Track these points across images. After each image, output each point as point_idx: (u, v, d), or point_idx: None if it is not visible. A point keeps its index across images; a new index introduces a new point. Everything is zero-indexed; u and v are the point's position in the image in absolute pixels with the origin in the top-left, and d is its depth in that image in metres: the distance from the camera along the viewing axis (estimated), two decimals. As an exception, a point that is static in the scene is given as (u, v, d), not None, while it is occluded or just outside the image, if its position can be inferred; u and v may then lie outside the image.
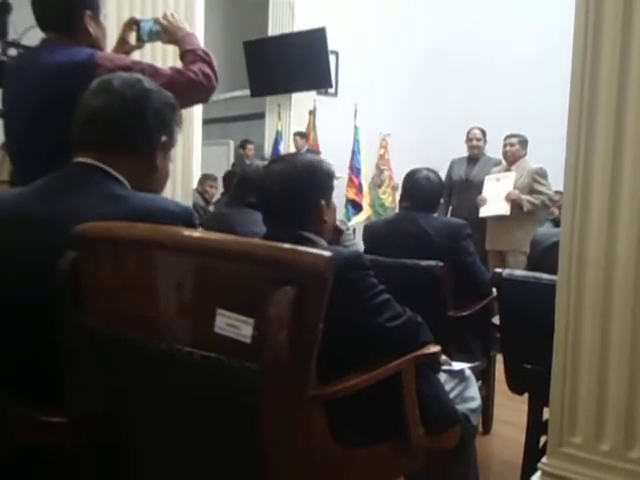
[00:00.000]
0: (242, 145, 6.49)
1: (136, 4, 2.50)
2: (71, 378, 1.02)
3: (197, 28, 2.69)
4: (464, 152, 5.15)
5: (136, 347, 0.89)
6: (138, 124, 1.30)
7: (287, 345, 0.73)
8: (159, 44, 2.23)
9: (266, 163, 2.75)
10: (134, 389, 0.92)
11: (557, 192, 5.57)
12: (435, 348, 1.70)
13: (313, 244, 1.62)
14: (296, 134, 6.13)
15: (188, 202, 2.66)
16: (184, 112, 2.59)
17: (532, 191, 4.44)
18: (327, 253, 0.76)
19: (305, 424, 0.79)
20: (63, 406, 1.03)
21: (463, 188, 4.93)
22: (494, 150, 4.99)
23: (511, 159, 4.60)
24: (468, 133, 5.07)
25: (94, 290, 0.98)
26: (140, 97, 1.31)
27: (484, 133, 5.06)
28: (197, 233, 0.88)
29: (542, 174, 4.46)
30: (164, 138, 1.35)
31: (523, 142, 4.59)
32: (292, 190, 1.62)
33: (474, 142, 5.02)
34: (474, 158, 5.04)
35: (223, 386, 0.81)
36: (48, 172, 1.29)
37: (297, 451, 0.77)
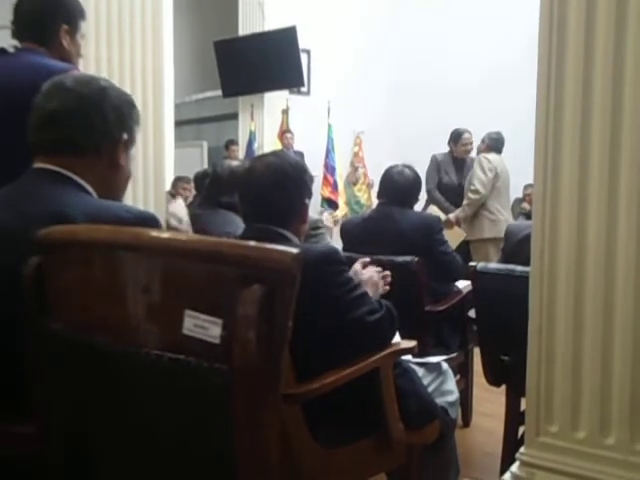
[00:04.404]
0: (226, 146, 6.44)
1: (101, 4, 2.46)
2: (38, 385, 1.00)
3: (165, 29, 2.66)
4: (439, 149, 5.09)
5: (104, 351, 0.87)
6: (96, 122, 1.27)
7: (256, 344, 0.72)
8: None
9: (238, 163, 2.75)
10: (103, 394, 0.90)
11: (529, 185, 5.66)
12: (410, 343, 1.70)
13: (289, 242, 1.61)
14: (286, 131, 6.12)
15: (161, 205, 2.62)
16: (155, 114, 2.58)
17: None
18: (294, 250, 0.75)
19: (279, 424, 0.78)
20: (31, 416, 1.01)
21: (456, 192, 4.89)
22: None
23: None
24: (460, 137, 4.92)
25: (60, 295, 0.96)
26: (96, 94, 1.29)
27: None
28: (162, 234, 0.87)
29: (480, 162, 4.56)
30: (125, 136, 1.33)
31: (484, 139, 4.68)
32: (282, 184, 1.63)
33: (468, 147, 4.98)
34: (461, 160, 4.98)
35: (193, 388, 0.79)
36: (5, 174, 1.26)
37: (271, 452, 0.76)
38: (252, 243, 0.78)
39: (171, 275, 0.84)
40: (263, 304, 0.73)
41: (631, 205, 1.44)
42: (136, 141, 1.38)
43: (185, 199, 5.63)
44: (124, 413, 0.89)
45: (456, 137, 4.98)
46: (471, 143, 5.00)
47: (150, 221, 1.23)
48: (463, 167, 4.98)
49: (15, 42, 2.01)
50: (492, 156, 4.57)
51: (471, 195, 4.53)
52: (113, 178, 1.34)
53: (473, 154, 5.05)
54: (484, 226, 4.56)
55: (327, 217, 6.04)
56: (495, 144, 4.66)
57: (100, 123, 1.28)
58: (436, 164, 4.99)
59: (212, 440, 0.80)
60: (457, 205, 4.86)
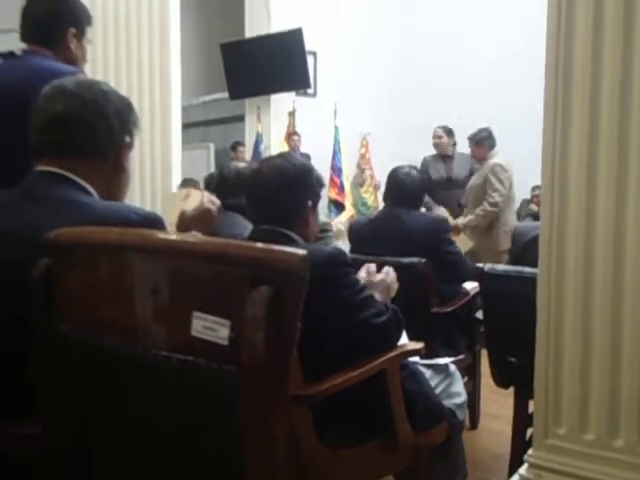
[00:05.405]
0: (233, 147, 6.44)
1: (109, 8, 2.47)
2: (46, 386, 1.00)
3: (172, 32, 2.67)
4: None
5: (112, 353, 0.87)
6: (100, 125, 1.28)
7: (264, 345, 0.72)
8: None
9: (245, 165, 2.75)
10: (111, 395, 0.91)
11: (537, 187, 5.63)
12: (418, 344, 1.70)
13: (294, 243, 1.62)
14: (293, 134, 6.13)
15: (168, 206, 2.63)
16: (162, 116, 2.59)
17: (485, 193, 4.45)
18: (302, 251, 0.75)
19: (287, 425, 0.79)
20: (34, 416, 1.02)
21: (445, 187, 4.96)
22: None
23: (477, 159, 4.66)
24: (433, 132, 5.09)
25: (69, 297, 0.97)
26: (99, 98, 1.29)
27: (448, 131, 5.07)
28: (170, 235, 0.87)
29: (495, 172, 4.43)
30: (127, 139, 1.34)
31: (479, 140, 4.57)
32: (286, 185, 1.65)
33: (435, 140, 5.06)
34: (447, 156, 5.06)
35: (202, 389, 0.79)
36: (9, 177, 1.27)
37: (279, 453, 0.76)
38: (260, 244, 0.78)
39: (179, 277, 0.84)
40: (271, 305, 0.73)
41: (639, 206, 1.43)
42: (135, 144, 1.39)
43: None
44: (133, 414, 0.89)
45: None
46: (440, 137, 5.03)
47: (157, 222, 1.24)
48: (451, 161, 5.05)
49: (23, 45, 2.04)
50: (503, 161, 4.47)
51: (489, 207, 4.40)
52: (117, 180, 1.35)
53: (461, 149, 5.06)
54: (500, 238, 4.42)
55: (336, 224, 6.03)
56: (493, 142, 4.58)
57: (104, 127, 1.29)
58: (425, 165, 5.07)
59: (221, 441, 0.80)
60: (445, 198, 4.86)
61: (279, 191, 1.64)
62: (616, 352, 1.47)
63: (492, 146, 4.56)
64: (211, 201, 1.65)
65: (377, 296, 1.71)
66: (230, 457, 0.79)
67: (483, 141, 4.56)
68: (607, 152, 1.46)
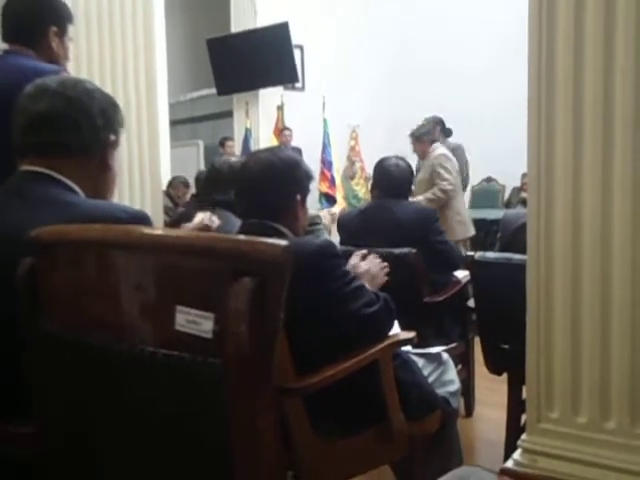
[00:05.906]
0: (221, 142, 6.43)
1: (91, 5, 2.45)
2: (36, 385, 1.00)
3: (157, 28, 2.65)
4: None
5: (100, 350, 0.87)
6: (84, 124, 1.27)
7: (248, 337, 0.72)
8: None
9: (236, 159, 2.74)
10: (99, 392, 0.91)
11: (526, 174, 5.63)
12: (409, 334, 1.71)
13: (282, 236, 1.61)
14: (284, 129, 6.13)
15: (158, 205, 2.62)
16: (149, 114, 2.57)
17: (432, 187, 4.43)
18: (284, 242, 0.75)
19: (274, 416, 0.79)
20: (27, 417, 1.02)
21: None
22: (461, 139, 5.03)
23: (419, 154, 4.64)
24: None
25: (54, 295, 0.96)
26: (83, 96, 1.28)
27: (434, 123, 5.05)
28: (153, 230, 0.87)
29: (440, 162, 4.40)
30: (112, 137, 1.33)
31: (419, 136, 4.52)
32: (273, 177, 1.65)
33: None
34: None
35: (188, 383, 0.79)
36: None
37: (265, 444, 0.76)
38: (242, 237, 0.78)
39: (162, 271, 0.84)
40: (254, 297, 0.73)
41: (625, 189, 1.44)
42: (122, 142, 1.39)
43: (182, 200, 5.62)
44: (121, 411, 0.89)
45: None
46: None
47: (146, 220, 1.24)
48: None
49: (5, 46, 2.02)
50: (446, 151, 4.47)
51: (439, 194, 4.38)
52: (103, 179, 1.34)
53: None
54: (454, 228, 4.40)
55: (325, 215, 6.03)
56: (434, 138, 4.57)
57: (89, 125, 1.28)
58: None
59: (209, 433, 0.80)
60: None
61: (267, 185, 1.64)
62: (606, 335, 1.47)
63: (432, 141, 4.54)
64: (211, 220, 1.85)
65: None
66: (218, 449, 0.79)
67: (423, 137, 4.52)
68: (592, 140, 1.46)
